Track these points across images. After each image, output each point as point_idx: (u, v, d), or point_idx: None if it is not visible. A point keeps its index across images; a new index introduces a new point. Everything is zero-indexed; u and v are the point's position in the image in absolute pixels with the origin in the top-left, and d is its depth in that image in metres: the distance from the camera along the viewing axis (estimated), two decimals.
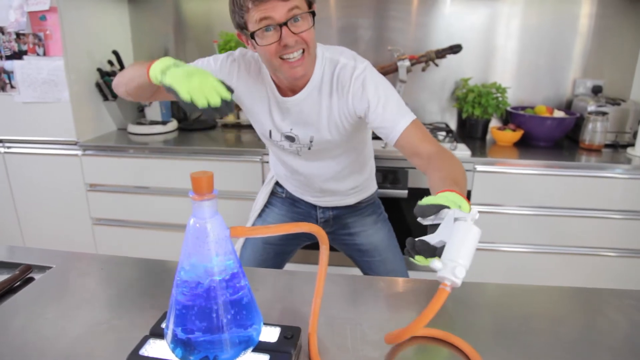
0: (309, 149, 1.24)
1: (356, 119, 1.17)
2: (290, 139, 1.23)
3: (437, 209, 0.72)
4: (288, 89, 1.17)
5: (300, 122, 1.19)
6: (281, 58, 1.03)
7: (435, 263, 0.65)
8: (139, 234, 2.20)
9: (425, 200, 0.75)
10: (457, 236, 0.66)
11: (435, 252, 0.69)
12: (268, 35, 1.00)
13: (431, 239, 0.70)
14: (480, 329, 0.80)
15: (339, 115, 1.17)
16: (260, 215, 1.48)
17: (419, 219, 0.75)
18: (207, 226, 0.59)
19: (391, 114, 1.10)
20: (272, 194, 1.49)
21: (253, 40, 1.02)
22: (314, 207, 1.43)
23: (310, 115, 1.18)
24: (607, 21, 2.25)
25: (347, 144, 1.26)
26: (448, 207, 0.72)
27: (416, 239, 0.70)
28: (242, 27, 1.03)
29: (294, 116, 1.19)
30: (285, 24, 0.98)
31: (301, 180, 1.36)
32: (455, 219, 0.68)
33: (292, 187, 1.42)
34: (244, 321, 0.64)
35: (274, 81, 1.17)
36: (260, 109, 1.22)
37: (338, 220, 1.44)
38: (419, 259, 0.71)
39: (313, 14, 1.03)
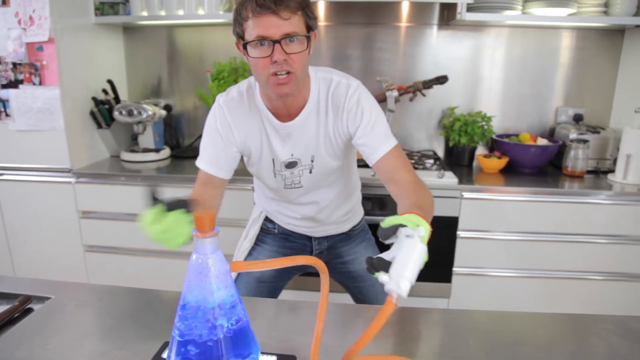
0: (310, 172, 1.25)
1: (348, 137, 1.20)
2: (292, 164, 1.24)
3: (394, 229, 0.78)
4: (285, 114, 1.19)
5: (301, 144, 1.21)
6: (269, 73, 1.05)
7: (382, 277, 0.70)
8: (130, 261, 2.21)
9: (385, 223, 0.80)
10: (403, 252, 0.71)
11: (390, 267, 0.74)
12: (261, 49, 1.03)
13: (386, 255, 0.75)
14: (467, 355, 0.83)
15: (333, 134, 1.20)
16: (250, 253, 1.46)
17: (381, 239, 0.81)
18: (208, 261, 0.62)
19: (378, 135, 1.16)
20: (262, 230, 1.48)
21: (245, 51, 1.05)
22: (309, 239, 1.44)
23: (310, 136, 1.20)
24: (586, 53, 2.35)
25: (341, 167, 1.28)
26: (404, 226, 0.77)
27: (374, 257, 0.76)
28: (240, 35, 1.07)
29: (294, 140, 1.21)
30: (279, 41, 1.01)
31: (298, 211, 1.36)
32: (407, 236, 0.74)
33: (287, 220, 1.41)
34: (243, 351, 0.67)
35: (268, 109, 1.19)
36: (258, 142, 1.22)
37: (332, 250, 1.46)
38: (378, 275, 0.76)
39: (308, 38, 1.06)
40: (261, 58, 1.04)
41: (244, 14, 1.02)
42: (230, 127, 1.20)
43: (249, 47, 1.04)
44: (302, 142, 1.21)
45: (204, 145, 1.22)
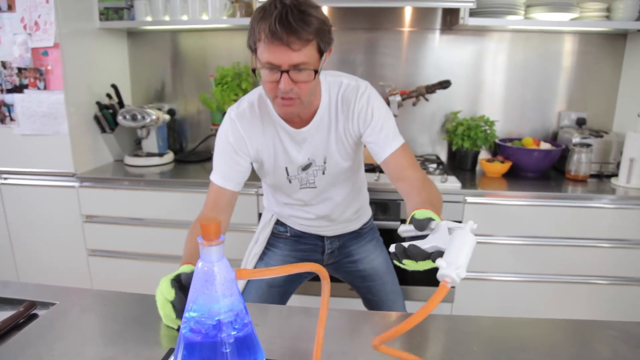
0: (323, 173, 1.27)
1: (359, 136, 1.23)
2: (307, 166, 1.27)
3: (427, 221, 0.80)
4: (298, 121, 1.21)
5: (314, 147, 1.24)
6: (275, 95, 1.08)
7: (440, 261, 0.71)
8: (134, 265, 2.21)
9: (420, 215, 0.83)
10: (458, 241, 0.73)
11: (428, 256, 0.77)
12: (270, 74, 1.05)
13: (422, 244, 0.77)
14: None
15: (344, 134, 1.23)
16: (261, 258, 1.47)
17: (399, 230, 0.83)
18: (214, 269, 0.63)
19: (387, 134, 1.19)
20: (273, 235, 1.49)
21: (256, 70, 1.08)
22: (322, 238, 1.45)
23: (323, 138, 1.23)
24: (589, 57, 2.35)
25: (352, 167, 1.31)
26: (435, 220, 0.80)
27: (407, 244, 0.77)
28: (252, 49, 1.07)
29: (309, 144, 1.23)
30: (287, 71, 1.02)
31: (312, 211, 1.37)
32: (450, 229, 0.76)
33: (300, 222, 1.43)
34: (248, 358, 0.67)
35: (281, 117, 1.21)
36: (272, 150, 1.24)
37: (342, 250, 1.47)
38: (408, 263, 0.78)
39: (316, 71, 1.06)
40: (268, 82, 1.06)
41: (257, 33, 1.02)
42: (245, 141, 1.22)
43: (259, 67, 1.06)
44: (316, 145, 1.24)
45: (217, 159, 1.23)
